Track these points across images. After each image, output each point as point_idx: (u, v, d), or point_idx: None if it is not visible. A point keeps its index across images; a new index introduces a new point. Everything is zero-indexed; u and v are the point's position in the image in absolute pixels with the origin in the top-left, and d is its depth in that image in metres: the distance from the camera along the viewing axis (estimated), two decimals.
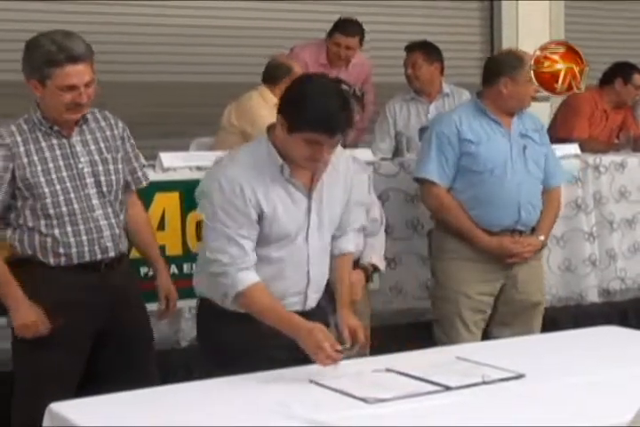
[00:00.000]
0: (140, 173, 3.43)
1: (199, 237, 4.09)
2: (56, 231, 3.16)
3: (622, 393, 2.52)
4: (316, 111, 2.74)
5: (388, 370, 2.74)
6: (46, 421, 2.46)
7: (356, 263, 3.86)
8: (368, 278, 3.89)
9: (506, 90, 4.04)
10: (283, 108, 2.85)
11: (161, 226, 4.08)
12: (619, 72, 5.98)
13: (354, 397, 2.50)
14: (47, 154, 3.16)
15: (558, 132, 5.89)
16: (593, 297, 5.13)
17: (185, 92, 6.47)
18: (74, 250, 3.18)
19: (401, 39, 6.11)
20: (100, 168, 3.24)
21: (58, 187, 3.15)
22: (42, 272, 3.19)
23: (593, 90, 6.01)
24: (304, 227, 2.93)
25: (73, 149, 3.20)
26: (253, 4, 6.74)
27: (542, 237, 4.15)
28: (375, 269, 3.91)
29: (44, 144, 3.16)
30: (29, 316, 3.13)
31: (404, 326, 4.18)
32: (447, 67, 5.76)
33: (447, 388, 2.58)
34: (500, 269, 4.09)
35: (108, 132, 3.30)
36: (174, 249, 4.12)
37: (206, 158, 4.28)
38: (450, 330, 4.04)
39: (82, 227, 3.18)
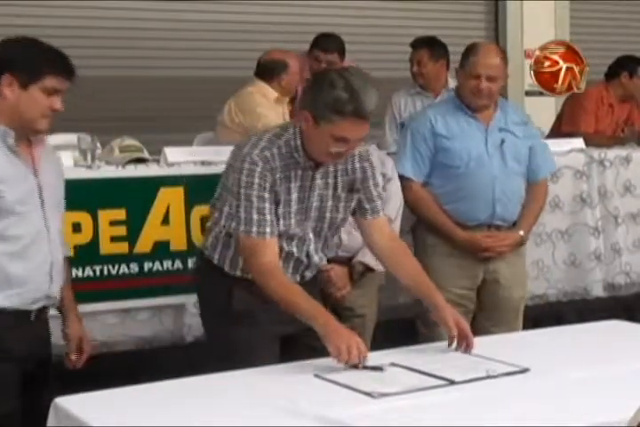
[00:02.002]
0: (378, 203, 3.20)
1: (204, 232, 4.10)
2: None
3: (627, 388, 2.52)
4: None
5: (393, 364, 2.74)
6: (51, 415, 2.47)
7: (350, 260, 3.85)
8: (352, 275, 3.86)
9: (459, 83, 4.04)
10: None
11: (165, 221, 4.09)
12: (624, 66, 5.98)
13: (359, 391, 2.50)
14: (292, 184, 3.01)
15: (564, 126, 5.89)
16: (598, 292, 5.13)
17: (189, 87, 6.49)
18: None
19: (406, 33, 6.11)
20: (329, 204, 3.11)
21: (289, 222, 3.03)
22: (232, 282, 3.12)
23: (600, 85, 6.02)
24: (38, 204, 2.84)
25: (313, 181, 3.05)
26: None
27: (521, 233, 4.10)
28: (368, 268, 3.88)
29: (292, 173, 3.01)
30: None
31: (409, 321, 4.17)
32: (451, 68, 5.75)
33: (452, 382, 2.58)
34: (478, 264, 4.06)
35: (349, 166, 3.11)
36: (179, 244, 4.12)
37: (210, 153, 4.30)
38: (432, 325, 4.00)
39: (294, 254, 3.10)
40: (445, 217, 4.03)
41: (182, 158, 4.19)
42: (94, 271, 3.97)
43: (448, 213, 4.03)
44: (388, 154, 4.32)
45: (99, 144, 4.20)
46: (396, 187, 3.99)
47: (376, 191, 3.18)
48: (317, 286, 3.42)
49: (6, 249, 2.77)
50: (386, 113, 5.74)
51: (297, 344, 3.03)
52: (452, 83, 5.68)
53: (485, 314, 4.14)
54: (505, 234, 4.07)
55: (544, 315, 4.68)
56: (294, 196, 3.04)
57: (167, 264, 4.11)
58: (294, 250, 3.11)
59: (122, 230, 4.01)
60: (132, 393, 2.55)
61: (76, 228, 3.91)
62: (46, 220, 2.84)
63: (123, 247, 4.03)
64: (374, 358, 2.77)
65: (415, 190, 4.05)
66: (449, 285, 4.00)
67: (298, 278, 3.17)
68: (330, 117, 2.85)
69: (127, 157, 4.11)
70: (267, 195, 2.95)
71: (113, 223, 3.99)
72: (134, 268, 4.05)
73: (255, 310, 3.00)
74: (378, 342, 3.85)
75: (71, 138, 4.34)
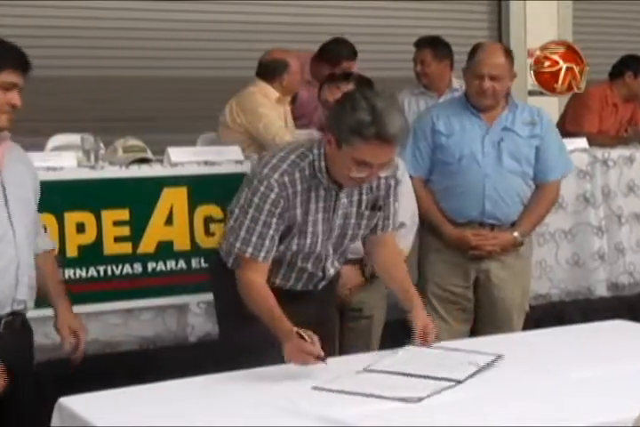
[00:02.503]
0: (391, 220, 3.16)
1: (207, 232, 4.12)
2: (282, 266, 3.08)
3: (630, 388, 2.52)
4: None
5: (371, 371, 2.73)
6: (55, 415, 2.47)
7: (360, 261, 3.85)
8: (364, 274, 3.86)
9: (465, 83, 4.07)
10: None
11: (169, 221, 4.09)
12: (628, 65, 5.98)
13: (392, 399, 2.43)
14: (312, 205, 2.97)
15: (568, 126, 5.88)
16: (601, 291, 5.12)
17: (191, 87, 6.49)
18: (289, 284, 3.11)
19: (409, 33, 6.11)
20: (352, 221, 3.07)
21: (308, 241, 3.02)
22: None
23: (604, 84, 6.02)
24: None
25: (337, 202, 3.01)
26: None
27: (516, 234, 4.04)
28: None
29: (313, 194, 2.96)
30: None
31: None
32: (455, 68, 5.74)
33: (458, 382, 2.57)
34: (470, 262, 4.05)
35: (374, 182, 3.04)
36: (182, 244, 4.12)
37: (213, 153, 4.30)
38: None
39: (308, 269, 3.11)
40: (439, 214, 4.05)
41: (186, 158, 4.19)
42: (98, 272, 3.98)
43: (442, 210, 4.05)
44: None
45: (102, 144, 4.20)
46: (406, 191, 3.91)
47: (394, 208, 3.15)
48: (333, 294, 3.42)
49: None
50: None
51: None
52: (456, 83, 5.69)
53: (483, 313, 4.14)
54: (495, 233, 4.03)
55: (547, 315, 4.68)
56: (318, 216, 3.00)
57: (171, 264, 4.11)
58: (309, 266, 3.10)
59: (125, 231, 4.02)
60: (136, 393, 2.55)
61: (80, 228, 3.91)
62: (12, 220, 2.75)
63: (126, 247, 4.03)
64: (347, 363, 2.78)
65: (414, 187, 4.03)
66: (440, 281, 4.02)
67: (311, 287, 3.17)
68: (351, 140, 2.77)
69: (130, 157, 4.11)
70: (274, 220, 2.93)
71: (116, 223, 4.00)
72: (138, 268, 4.06)
73: None
74: (380, 342, 3.86)
75: (74, 138, 4.36)
